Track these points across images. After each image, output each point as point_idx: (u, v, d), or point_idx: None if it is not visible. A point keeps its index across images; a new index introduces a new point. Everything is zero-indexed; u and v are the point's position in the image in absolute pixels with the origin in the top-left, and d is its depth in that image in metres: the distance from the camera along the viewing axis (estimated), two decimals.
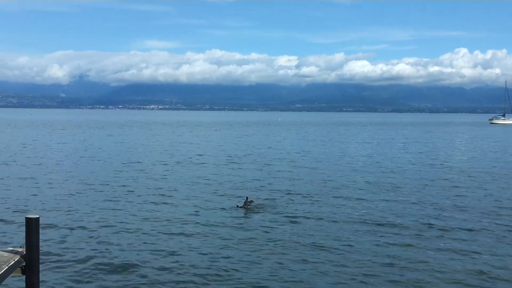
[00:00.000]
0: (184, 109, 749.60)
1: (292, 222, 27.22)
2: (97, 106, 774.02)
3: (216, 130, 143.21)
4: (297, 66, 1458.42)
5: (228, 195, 34.71)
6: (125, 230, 25.49)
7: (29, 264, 14.39)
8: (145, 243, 23.22)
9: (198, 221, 27.35)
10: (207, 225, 26.45)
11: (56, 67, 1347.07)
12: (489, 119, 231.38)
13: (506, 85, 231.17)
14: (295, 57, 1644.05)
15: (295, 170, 48.74)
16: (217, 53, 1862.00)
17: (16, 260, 13.96)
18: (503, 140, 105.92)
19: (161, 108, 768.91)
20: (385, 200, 33.39)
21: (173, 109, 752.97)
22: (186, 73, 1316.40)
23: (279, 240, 23.77)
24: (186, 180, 42.00)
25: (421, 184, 40.80)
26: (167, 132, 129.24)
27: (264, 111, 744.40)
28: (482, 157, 65.67)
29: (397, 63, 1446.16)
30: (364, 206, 31.51)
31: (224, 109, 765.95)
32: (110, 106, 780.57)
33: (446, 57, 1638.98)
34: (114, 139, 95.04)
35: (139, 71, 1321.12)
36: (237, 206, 30.33)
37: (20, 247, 14.96)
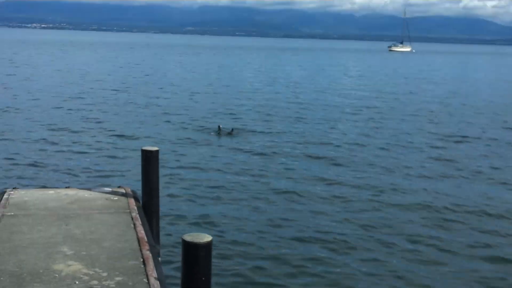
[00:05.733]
0: (70, 29, 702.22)
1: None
2: None
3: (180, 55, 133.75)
4: None
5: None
6: None
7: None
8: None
9: None
10: None
11: None
12: (388, 47, 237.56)
13: (405, 14, 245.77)
14: None
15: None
16: None
17: None
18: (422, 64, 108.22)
19: (44, 27, 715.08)
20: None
21: (57, 29, 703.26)
22: None
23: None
24: None
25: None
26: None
27: (155, 33, 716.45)
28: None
29: None
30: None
31: (112, 30, 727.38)
32: None
33: None
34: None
35: None
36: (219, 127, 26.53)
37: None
